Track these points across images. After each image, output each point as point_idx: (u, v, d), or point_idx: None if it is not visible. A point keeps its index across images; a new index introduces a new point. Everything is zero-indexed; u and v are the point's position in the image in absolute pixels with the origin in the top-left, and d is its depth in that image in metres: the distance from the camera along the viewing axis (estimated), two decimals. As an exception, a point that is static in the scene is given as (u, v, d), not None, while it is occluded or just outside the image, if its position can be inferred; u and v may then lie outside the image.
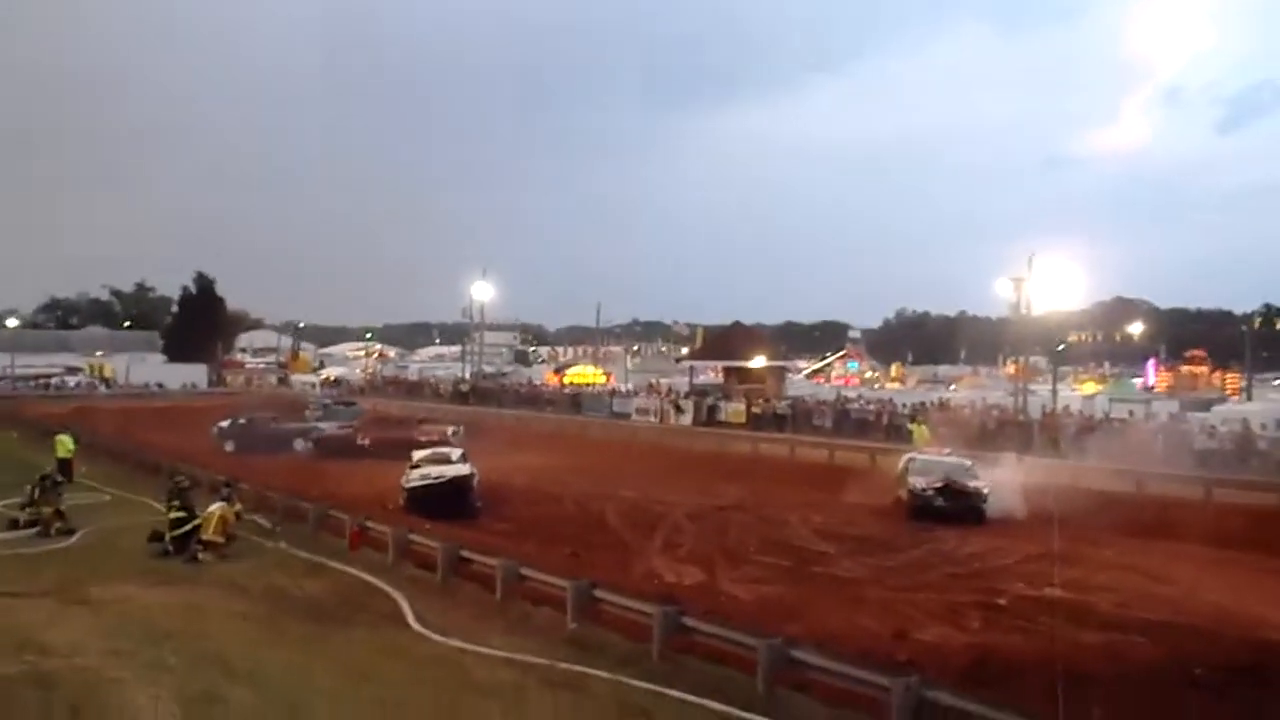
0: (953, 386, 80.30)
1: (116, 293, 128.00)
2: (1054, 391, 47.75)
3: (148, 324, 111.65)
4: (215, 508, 20.67)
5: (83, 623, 14.05)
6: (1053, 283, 43.51)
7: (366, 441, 39.77)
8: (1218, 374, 78.55)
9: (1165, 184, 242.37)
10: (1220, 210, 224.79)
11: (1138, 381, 77.13)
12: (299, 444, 40.50)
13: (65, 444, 31.93)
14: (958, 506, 25.00)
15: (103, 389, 78.71)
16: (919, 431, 35.48)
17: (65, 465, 30.11)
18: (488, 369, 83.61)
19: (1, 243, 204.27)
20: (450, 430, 41.60)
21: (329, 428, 42.20)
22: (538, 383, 76.76)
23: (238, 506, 21.69)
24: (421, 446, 35.85)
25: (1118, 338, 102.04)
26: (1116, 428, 36.11)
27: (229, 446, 40.84)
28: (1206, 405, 47.26)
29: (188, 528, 20.27)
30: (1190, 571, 19.59)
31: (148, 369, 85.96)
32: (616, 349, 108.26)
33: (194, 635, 13.63)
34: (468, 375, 75.59)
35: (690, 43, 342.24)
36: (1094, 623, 15.35)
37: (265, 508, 24.14)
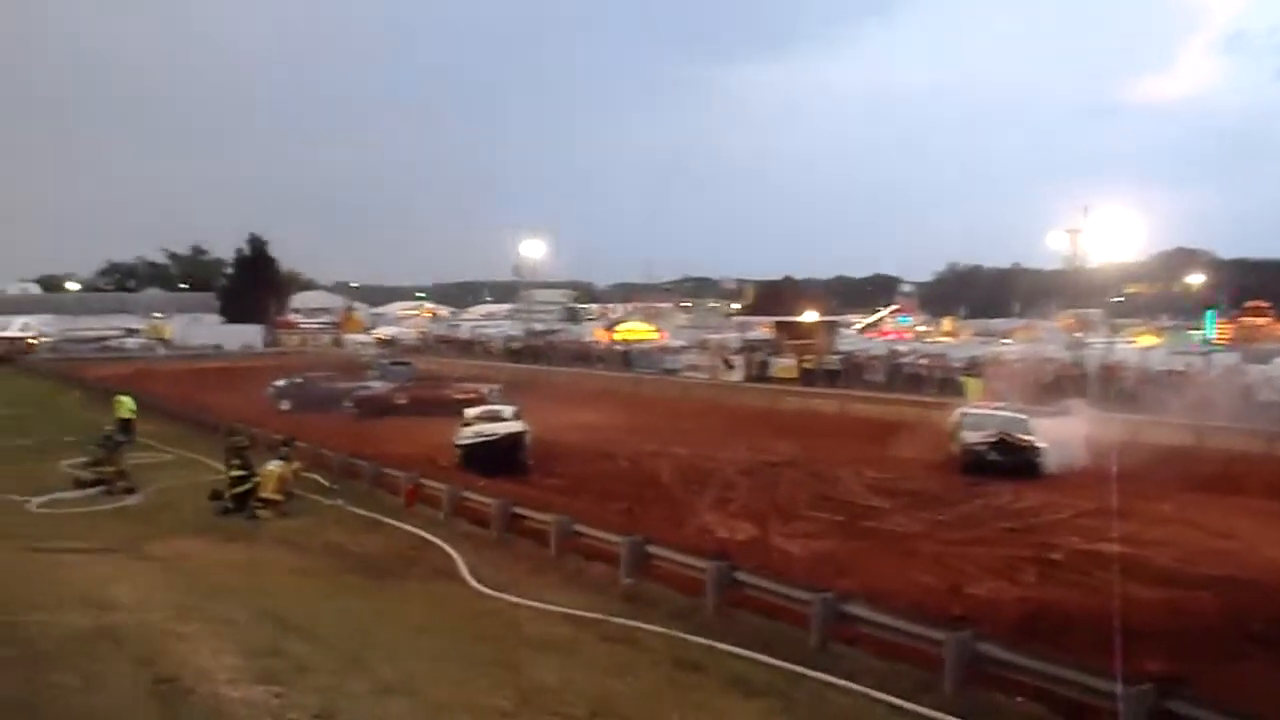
0: (1006, 340, 79.29)
1: (173, 255, 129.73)
2: (1110, 344, 47.05)
3: (204, 286, 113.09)
4: (273, 466, 20.99)
5: (147, 579, 14.36)
6: (1110, 233, 42.78)
7: (404, 400, 40.06)
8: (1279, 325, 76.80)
9: (1228, 131, 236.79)
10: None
11: (1197, 333, 75.72)
12: (347, 403, 40.96)
13: (126, 404, 32.49)
14: (1012, 461, 24.73)
15: (161, 350, 80.00)
16: (972, 385, 35.10)
17: (127, 425, 30.68)
18: (538, 327, 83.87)
19: (60, 209, 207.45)
20: (487, 389, 41.77)
21: (368, 388, 42.50)
22: (588, 340, 76.84)
23: (295, 464, 22.02)
24: (458, 405, 36.43)
25: (1177, 289, 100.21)
26: (1174, 380, 35.54)
27: (284, 405, 41.37)
28: (1268, 357, 46.31)
29: (247, 485, 20.61)
30: (1251, 526, 19.29)
31: (204, 330, 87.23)
32: (667, 305, 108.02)
33: (254, 590, 13.88)
34: (519, 333, 75.85)
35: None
36: (1151, 577, 15.19)
37: (322, 466, 24.46)
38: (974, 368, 39.96)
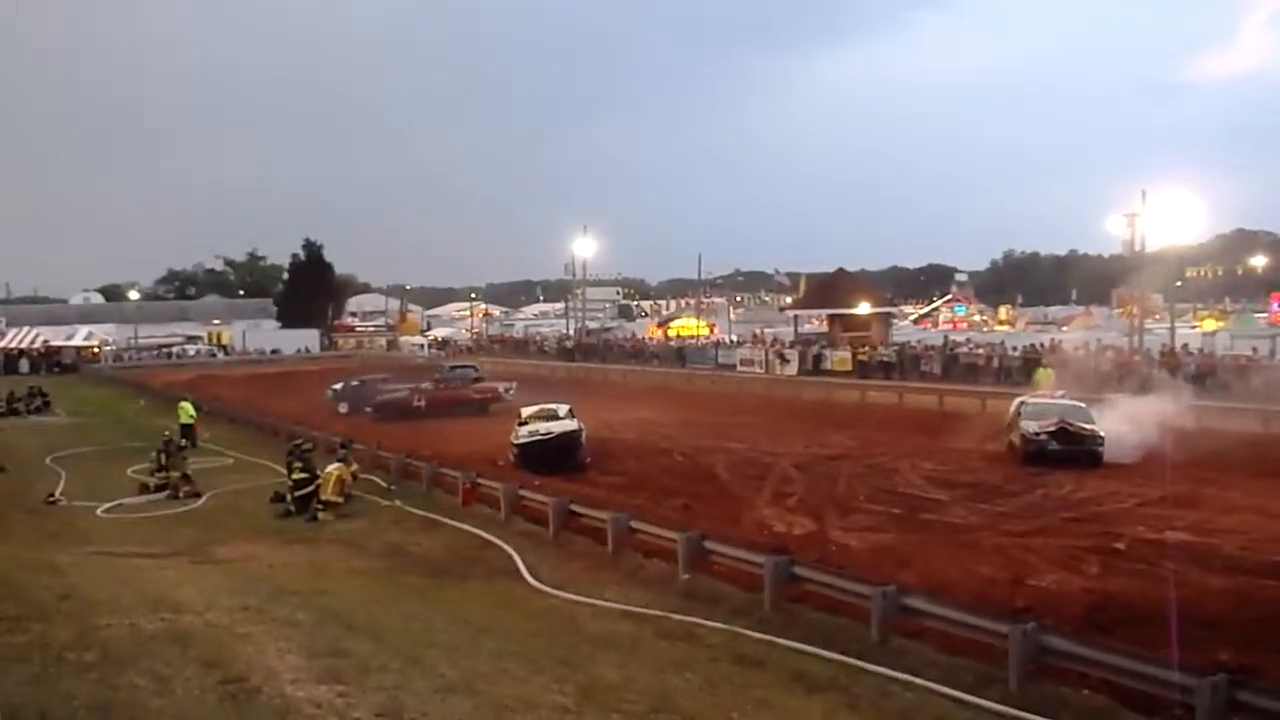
0: (1064, 328, 78.31)
1: (230, 262, 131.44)
2: (1172, 329, 46.24)
3: (261, 292, 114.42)
4: (333, 468, 21.24)
5: (212, 581, 14.55)
6: (1168, 217, 41.98)
7: (422, 403, 40.10)
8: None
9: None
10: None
11: (1261, 316, 74.25)
12: (367, 408, 41.01)
13: (187, 410, 33.05)
14: (1073, 450, 24.38)
15: (221, 356, 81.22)
16: (1044, 375, 34.56)
17: (188, 430, 31.21)
18: (591, 324, 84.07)
19: (121, 219, 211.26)
20: (503, 387, 41.84)
21: (387, 391, 42.36)
22: (641, 336, 76.91)
23: (354, 466, 22.26)
24: (476, 405, 36.72)
25: (1239, 271, 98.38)
26: (1240, 365, 34.86)
27: (343, 408, 41.76)
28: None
29: (309, 489, 20.87)
30: (1321, 512, 18.87)
31: (262, 335, 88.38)
32: (719, 300, 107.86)
33: (316, 591, 14.02)
34: (572, 332, 76.12)
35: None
36: (1218, 566, 14.93)
37: (380, 467, 24.69)
38: (1044, 356, 39.33)
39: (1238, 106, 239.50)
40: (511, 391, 40.90)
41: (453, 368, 54.55)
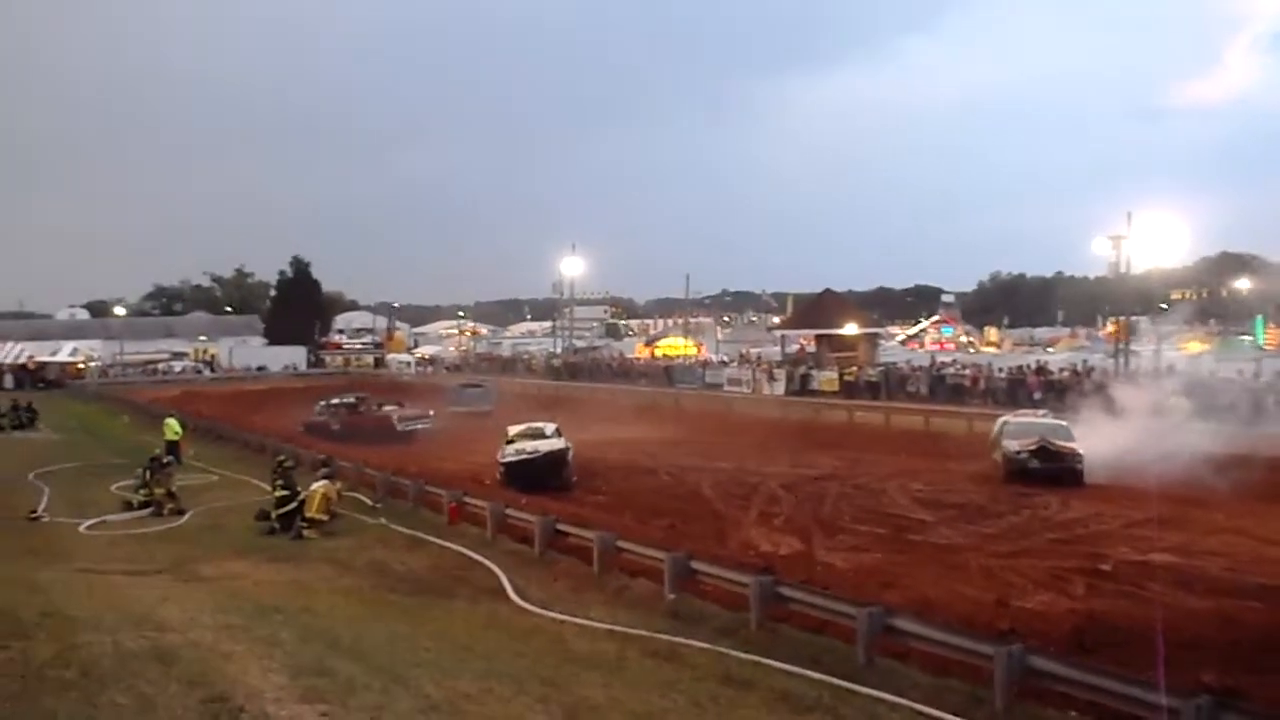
0: (1050, 349, 78.57)
1: (217, 279, 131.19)
2: (1158, 351, 46.44)
3: (248, 309, 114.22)
4: (318, 486, 21.16)
5: (196, 599, 14.46)
6: (1154, 239, 42.22)
7: (336, 427, 39.54)
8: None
9: (1273, 132, 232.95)
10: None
11: (1247, 339, 74.54)
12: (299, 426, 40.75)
13: (172, 427, 32.91)
14: (1054, 468, 24.53)
15: (207, 373, 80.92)
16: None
17: (174, 447, 31.08)
18: (579, 343, 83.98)
19: (107, 235, 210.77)
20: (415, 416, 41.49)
21: (317, 414, 42.26)
22: (629, 356, 76.88)
23: (339, 484, 22.20)
24: (394, 431, 36.02)
25: (1224, 294, 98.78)
26: (1224, 387, 34.96)
27: (335, 427, 41.54)
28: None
29: (292, 505, 20.79)
30: (1304, 534, 18.95)
31: (249, 352, 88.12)
32: (707, 320, 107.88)
33: (301, 610, 13.95)
34: (559, 350, 76.07)
35: (785, 5, 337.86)
36: (1203, 588, 14.98)
37: (367, 484, 24.61)
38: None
39: (1222, 131, 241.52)
40: (425, 423, 40.38)
41: (466, 385, 54.42)
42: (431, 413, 41.89)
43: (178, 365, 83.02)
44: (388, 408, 42.39)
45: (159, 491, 23.41)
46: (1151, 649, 10.53)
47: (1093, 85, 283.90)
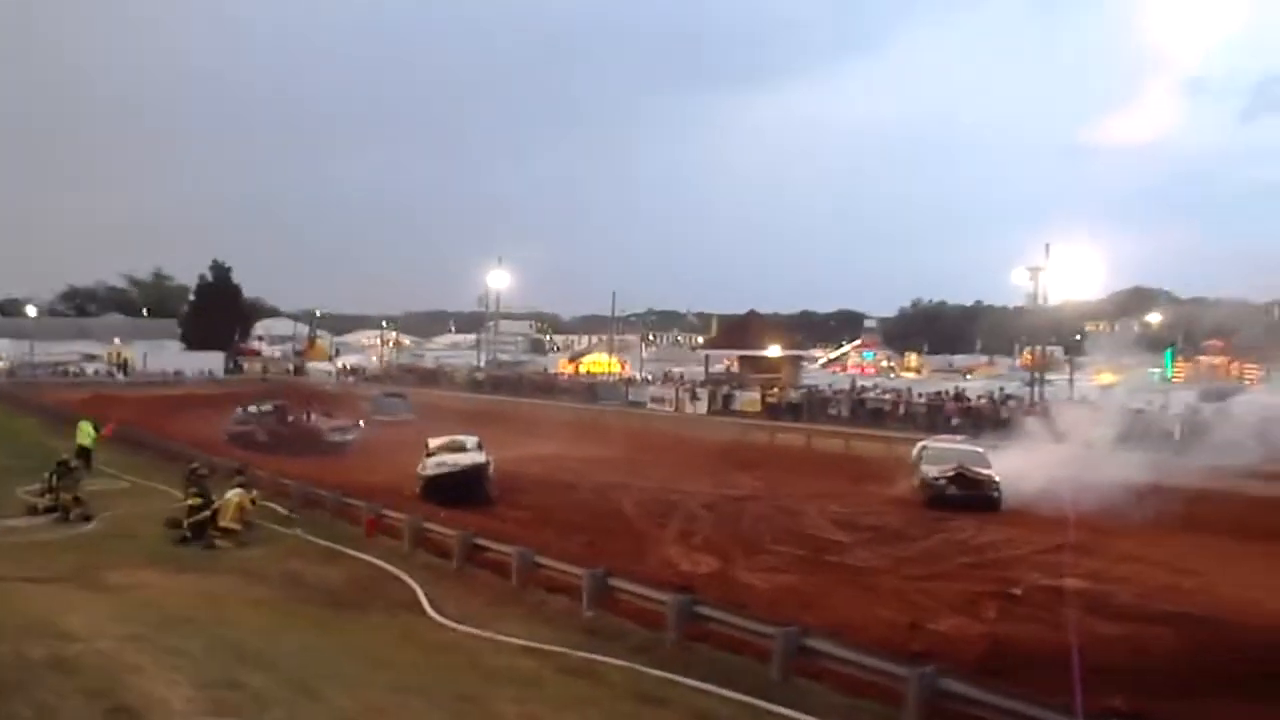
0: (968, 376, 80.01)
1: (134, 281, 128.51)
2: (1071, 381, 47.52)
3: (165, 312, 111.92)
4: (232, 494, 20.77)
5: (101, 608, 14.12)
6: (1070, 272, 43.31)
7: (263, 437, 38.44)
8: (1235, 364, 77.66)
9: (1188, 173, 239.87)
10: (1244, 199, 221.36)
11: (1156, 372, 76.52)
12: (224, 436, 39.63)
13: (86, 431, 32.10)
14: (971, 495, 24.89)
15: (120, 376, 79.14)
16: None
17: (86, 452, 30.35)
18: (503, 357, 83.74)
19: (19, 231, 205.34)
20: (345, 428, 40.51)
21: (238, 422, 41.16)
22: (553, 371, 76.79)
23: (254, 493, 21.80)
24: (325, 443, 35.45)
25: (1136, 327, 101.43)
26: (1133, 418, 35.83)
27: (262, 437, 40.77)
28: (1224, 395, 46.85)
29: (205, 514, 20.37)
30: (1211, 563, 19.49)
31: (166, 357, 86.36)
32: (632, 338, 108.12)
33: (211, 621, 13.69)
34: (483, 364, 75.72)
35: (720, 23, 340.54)
36: (1112, 613, 15.30)
37: (282, 495, 24.23)
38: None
39: (1141, 170, 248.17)
40: (355, 434, 39.32)
41: (386, 395, 53.73)
42: (361, 423, 40.96)
43: (90, 368, 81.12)
44: (316, 418, 41.52)
45: (65, 497, 22.77)
46: (1061, 672, 10.73)
47: (1020, 119, 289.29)
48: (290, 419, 40.19)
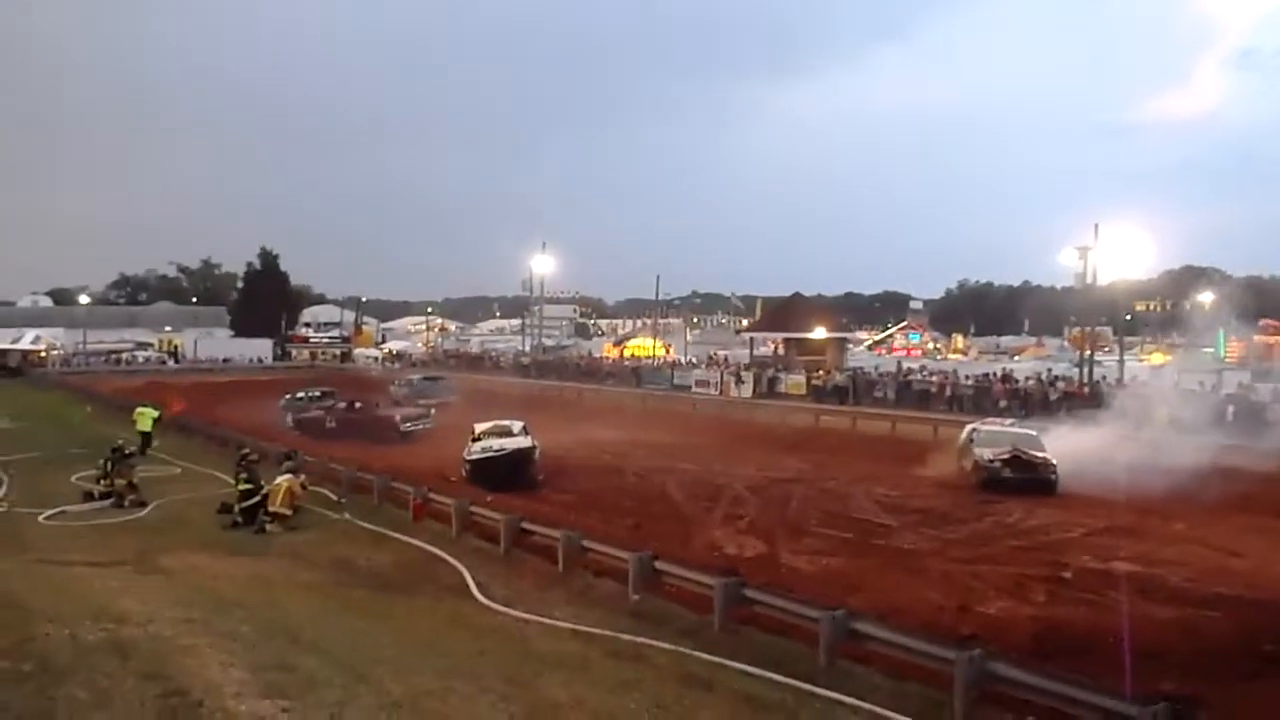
0: (1016, 357, 79.24)
1: (184, 269, 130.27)
2: (1121, 362, 46.92)
3: (215, 300, 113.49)
4: (282, 480, 21.00)
5: (155, 592, 14.34)
6: (1119, 251, 42.68)
7: (333, 424, 37.92)
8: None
9: (1238, 148, 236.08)
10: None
11: (1208, 352, 75.38)
12: (288, 423, 39.79)
13: (148, 415, 32.75)
14: (1027, 478, 24.56)
15: (171, 364, 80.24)
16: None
17: (146, 436, 31.05)
18: (548, 342, 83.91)
19: (72, 222, 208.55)
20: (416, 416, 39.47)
21: (307, 409, 40.96)
22: (597, 355, 76.86)
23: (303, 478, 22.03)
24: (395, 430, 35.36)
25: (1187, 306, 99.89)
26: (1186, 399, 35.34)
27: (288, 420, 41.20)
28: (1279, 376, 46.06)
29: (255, 499, 20.63)
30: (1263, 545, 19.16)
31: (215, 344, 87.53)
32: (676, 321, 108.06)
33: (262, 604, 13.87)
34: (528, 348, 75.94)
35: (759, 11, 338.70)
36: (1163, 596, 15.12)
37: (331, 480, 24.46)
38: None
39: (1191, 146, 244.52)
40: (428, 423, 38.35)
41: (424, 378, 53.81)
42: (433, 411, 40.37)
43: (141, 355, 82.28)
44: (389, 406, 41.37)
45: (120, 483, 23.13)
46: (1110, 656, 10.64)
47: (1063, 98, 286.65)
48: (359, 405, 40.08)
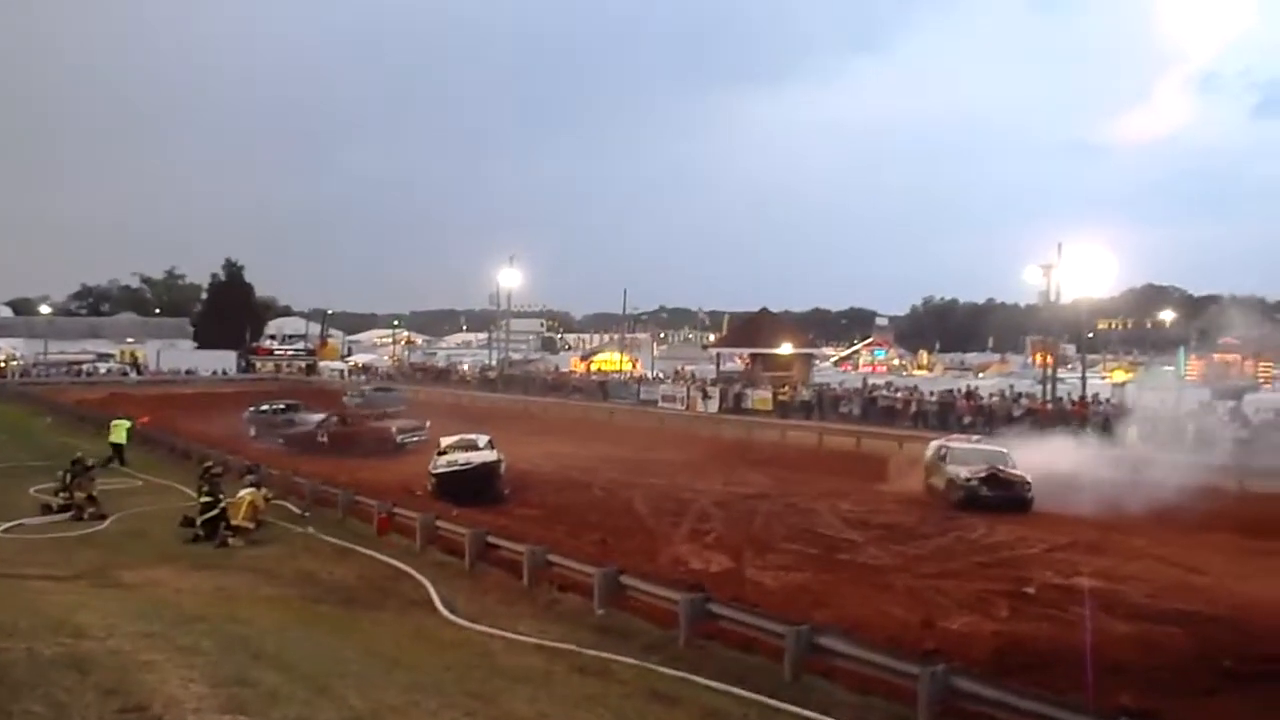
0: (980, 374, 79.81)
1: (147, 280, 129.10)
2: (1084, 379, 47.35)
3: (178, 311, 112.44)
4: (245, 493, 20.85)
5: (115, 606, 14.16)
6: (1083, 270, 43.10)
7: (325, 439, 37.30)
8: (1250, 362, 77.26)
9: (1200, 170, 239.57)
10: (1256, 197, 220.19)
11: (1169, 370, 76.24)
12: (278, 439, 38.72)
13: (123, 428, 32.54)
14: (1004, 496, 24.56)
15: (133, 375, 79.39)
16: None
17: (119, 449, 30.87)
18: (515, 356, 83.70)
19: (33, 231, 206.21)
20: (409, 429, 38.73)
21: (300, 423, 40.18)
22: (564, 370, 76.76)
23: (266, 492, 21.86)
24: (389, 444, 35.12)
25: (1149, 325, 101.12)
26: (1145, 416, 35.74)
27: (251, 432, 40.93)
28: (1239, 393, 46.68)
29: (216, 512, 20.45)
30: (1221, 562, 19.39)
31: (178, 355, 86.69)
32: (643, 336, 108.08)
33: (224, 619, 13.71)
34: (495, 362, 75.76)
35: (728, 24, 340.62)
36: (1123, 612, 15.26)
37: (294, 493, 24.30)
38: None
39: (1154, 167, 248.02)
40: (422, 435, 37.47)
41: (376, 389, 53.69)
42: (428, 424, 39.31)
43: (103, 367, 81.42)
44: (384, 419, 40.41)
45: (80, 495, 22.87)
46: (1072, 671, 10.72)
47: (1029, 117, 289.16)
48: (349, 419, 39.64)
